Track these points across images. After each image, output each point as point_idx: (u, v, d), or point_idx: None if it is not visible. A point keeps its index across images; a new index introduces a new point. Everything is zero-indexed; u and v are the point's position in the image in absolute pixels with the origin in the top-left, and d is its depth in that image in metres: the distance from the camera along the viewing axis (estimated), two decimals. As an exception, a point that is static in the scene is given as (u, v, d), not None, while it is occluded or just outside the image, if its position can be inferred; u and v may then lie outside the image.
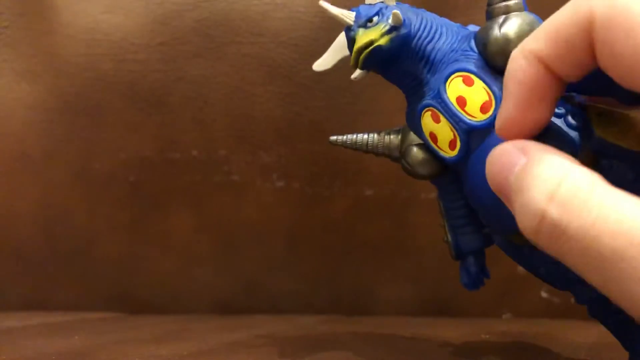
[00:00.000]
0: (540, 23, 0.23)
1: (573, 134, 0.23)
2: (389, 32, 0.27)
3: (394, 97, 0.48)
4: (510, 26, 0.25)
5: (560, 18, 0.19)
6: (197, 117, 0.50)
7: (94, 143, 0.51)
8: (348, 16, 0.28)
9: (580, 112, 0.23)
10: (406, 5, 0.28)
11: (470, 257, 0.30)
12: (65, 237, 0.52)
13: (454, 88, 0.26)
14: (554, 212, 0.18)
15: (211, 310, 0.51)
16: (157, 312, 0.51)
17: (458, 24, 0.28)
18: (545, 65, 0.20)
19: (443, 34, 0.27)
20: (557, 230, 0.18)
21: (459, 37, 0.27)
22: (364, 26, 0.27)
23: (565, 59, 0.20)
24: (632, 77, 0.18)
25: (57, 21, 0.52)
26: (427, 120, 0.27)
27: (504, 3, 0.25)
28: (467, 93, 0.25)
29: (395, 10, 0.27)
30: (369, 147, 0.30)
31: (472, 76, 0.25)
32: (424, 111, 0.27)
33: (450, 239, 0.30)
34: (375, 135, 0.30)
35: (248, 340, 0.37)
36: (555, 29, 0.19)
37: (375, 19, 0.27)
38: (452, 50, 0.27)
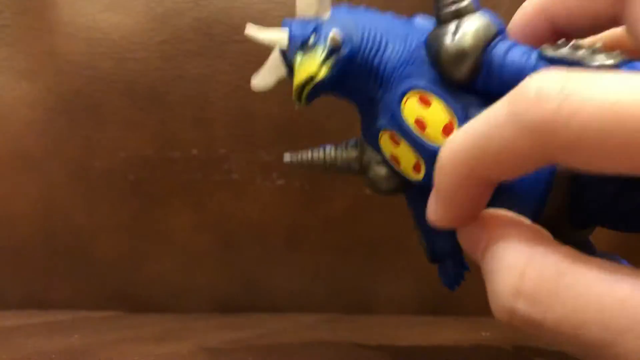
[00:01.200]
0: (495, 23, 0.22)
1: None
2: (328, 56, 0.24)
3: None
4: (464, 34, 0.22)
5: (497, 144, 0.17)
6: (197, 116, 0.50)
7: (93, 141, 0.51)
8: (280, 38, 0.26)
9: None
10: (343, 10, 0.26)
11: (447, 260, 0.29)
12: (64, 235, 0.52)
13: (411, 109, 0.23)
14: (523, 308, 0.17)
15: (211, 309, 0.51)
16: (157, 310, 0.50)
17: (404, 21, 0.26)
18: (482, 177, 0.18)
19: (389, 41, 0.24)
20: (532, 325, 0.17)
21: (408, 44, 0.24)
22: (302, 49, 0.25)
23: (508, 172, 0.17)
24: None
25: (57, 20, 0.52)
26: (385, 142, 0.25)
27: (453, 7, 0.22)
28: (426, 115, 0.23)
29: (332, 33, 0.24)
30: (328, 164, 0.28)
31: (429, 95, 0.23)
32: (380, 133, 0.25)
33: (425, 243, 0.28)
34: (332, 151, 0.28)
35: (248, 338, 0.37)
36: (495, 155, 0.17)
37: (311, 39, 0.24)
38: (403, 63, 0.24)
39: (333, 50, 0.24)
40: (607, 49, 0.20)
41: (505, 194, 0.20)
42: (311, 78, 0.24)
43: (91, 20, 0.51)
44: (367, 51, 0.24)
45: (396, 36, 0.24)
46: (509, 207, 0.20)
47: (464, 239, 0.20)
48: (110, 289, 0.52)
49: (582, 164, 0.16)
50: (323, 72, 0.24)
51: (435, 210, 0.20)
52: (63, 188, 0.52)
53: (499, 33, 0.22)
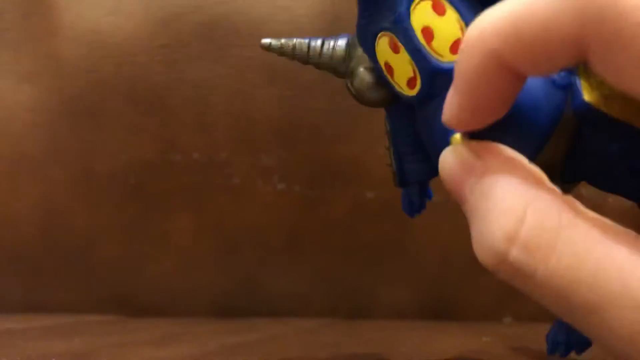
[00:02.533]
0: None
1: (558, 94, 0.19)
2: None
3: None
4: None
5: (535, 20, 0.15)
6: (198, 120, 0.50)
7: (95, 145, 0.51)
8: None
9: (570, 69, 0.19)
10: None
11: (415, 186, 0.26)
12: (65, 238, 0.52)
13: (421, 15, 0.20)
14: (515, 255, 0.15)
15: (211, 313, 0.51)
16: (157, 314, 0.50)
17: None
18: (511, 67, 0.16)
19: None
20: (521, 274, 0.15)
21: None
22: None
23: (539, 63, 0.16)
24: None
25: (59, 23, 0.52)
26: (382, 47, 0.22)
27: None
28: (436, 24, 0.20)
29: None
30: (311, 57, 0.25)
31: (445, 2, 0.20)
32: (379, 35, 0.21)
33: (394, 165, 0.25)
34: (318, 42, 0.25)
35: (247, 343, 0.37)
36: (530, 34, 0.15)
37: None
38: None
39: None
40: None
41: (506, 123, 0.18)
42: None
43: (93, 24, 0.51)
44: None
45: None
46: (509, 141, 0.18)
47: (451, 167, 0.18)
48: (111, 292, 0.52)
49: (615, 73, 0.14)
50: None
51: (451, 106, 0.17)
52: (64, 191, 0.52)
53: None
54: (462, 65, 0.16)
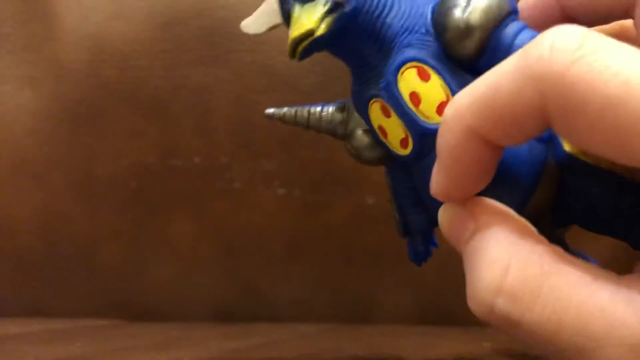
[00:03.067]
0: (508, 1, 0.21)
1: (540, 147, 0.21)
2: (330, 12, 0.22)
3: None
4: (474, 9, 0.20)
5: (502, 96, 0.16)
6: (199, 124, 0.50)
7: (96, 149, 0.51)
8: None
9: None
10: None
11: (418, 236, 0.27)
12: (66, 243, 0.52)
13: (408, 81, 0.22)
14: (502, 305, 0.16)
15: (212, 318, 0.51)
16: (158, 319, 0.50)
17: None
18: (487, 140, 0.17)
19: (396, 3, 0.22)
20: (508, 323, 0.16)
21: (414, 11, 0.22)
22: (302, 0, 0.22)
23: (511, 134, 0.17)
24: (613, 154, 0.16)
25: (60, 28, 0.52)
26: (375, 112, 0.23)
27: None
28: (422, 89, 0.21)
29: None
30: (311, 123, 0.26)
31: (429, 69, 0.21)
32: (372, 101, 0.23)
33: (397, 216, 0.27)
34: (318, 109, 0.26)
35: (248, 348, 0.37)
36: (499, 109, 0.16)
37: None
38: (406, 30, 0.22)
39: (335, 7, 0.22)
40: None
41: (494, 180, 0.19)
42: (309, 33, 0.22)
43: (94, 29, 0.51)
44: (371, 11, 0.22)
45: (409, 3, 0.23)
46: (497, 196, 0.19)
47: (448, 225, 0.19)
48: (111, 296, 0.52)
49: (575, 136, 0.15)
50: (323, 29, 0.22)
51: (437, 180, 0.19)
52: (65, 196, 0.52)
53: (512, 13, 0.21)
54: (443, 142, 0.18)
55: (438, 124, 0.20)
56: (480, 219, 0.18)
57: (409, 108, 0.22)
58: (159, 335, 0.43)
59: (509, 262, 0.17)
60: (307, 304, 0.50)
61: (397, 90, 0.22)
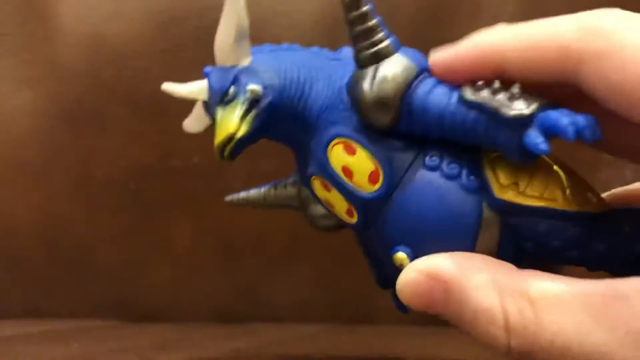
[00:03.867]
0: (415, 63, 0.22)
1: (471, 198, 0.21)
2: (248, 111, 0.23)
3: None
4: (382, 80, 0.21)
5: (538, 33, 0.19)
6: (198, 125, 0.50)
7: (94, 150, 0.51)
8: (200, 91, 0.25)
9: (475, 167, 0.21)
10: (264, 53, 0.25)
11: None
12: (64, 244, 0.52)
13: (337, 157, 0.23)
14: (516, 345, 0.18)
15: (211, 319, 0.50)
16: (157, 320, 0.50)
17: (330, 56, 0.25)
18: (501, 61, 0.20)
19: (314, 82, 0.23)
20: (526, 355, 0.18)
21: (331, 88, 0.23)
22: (221, 102, 0.24)
23: (533, 66, 0.20)
24: (629, 107, 0.18)
25: (58, 28, 0.52)
26: (318, 189, 0.24)
27: (372, 50, 0.22)
28: (352, 163, 0.22)
29: (250, 86, 0.23)
30: (267, 202, 0.28)
31: (352, 143, 0.22)
32: (312, 179, 0.24)
33: (374, 270, 0.28)
34: (272, 190, 0.28)
35: (248, 348, 0.37)
36: (533, 41, 0.19)
37: (231, 90, 0.24)
38: (327, 108, 0.23)
39: (253, 103, 0.23)
40: (526, 92, 0.20)
41: (435, 238, 0.21)
42: (231, 137, 0.23)
43: (93, 29, 0.51)
44: (290, 98, 0.23)
45: (320, 77, 0.24)
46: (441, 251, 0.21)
47: (412, 293, 0.21)
48: (110, 298, 0.51)
49: (604, 79, 0.18)
50: (243, 130, 0.23)
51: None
52: (63, 197, 0.51)
53: (420, 73, 0.22)
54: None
55: (374, 192, 0.22)
56: (443, 274, 0.20)
57: (344, 182, 0.23)
58: (157, 336, 0.42)
59: (501, 303, 0.18)
60: (307, 305, 0.50)
61: (330, 167, 0.23)
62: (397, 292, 0.21)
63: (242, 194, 0.29)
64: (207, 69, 0.26)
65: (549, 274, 0.19)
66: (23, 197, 0.52)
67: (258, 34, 0.52)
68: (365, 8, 0.21)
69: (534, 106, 0.19)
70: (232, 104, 0.23)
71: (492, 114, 0.20)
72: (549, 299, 0.18)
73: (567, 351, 0.17)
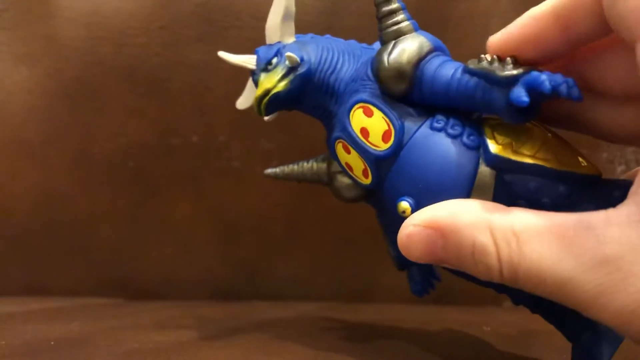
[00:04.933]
0: (429, 41, 0.25)
1: (469, 154, 0.24)
2: (287, 74, 0.27)
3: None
4: (397, 53, 0.25)
5: None
6: (197, 103, 0.50)
7: (93, 128, 0.51)
8: (249, 61, 0.29)
9: (476, 130, 0.24)
10: (308, 37, 0.29)
11: (414, 268, 0.31)
12: (64, 222, 0.52)
13: (357, 119, 0.26)
14: (506, 273, 0.20)
15: (211, 297, 0.51)
16: (157, 298, 0.50)
17: (362, 45, 0.29)
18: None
19: (345, 61, 0.28)
20: (513, 279, 0.21)
21: (360, 63, 0.27)
22: (265, 69, 0.28)
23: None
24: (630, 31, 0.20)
25: (56, 4, 0.51)
26: (340, 152, 0.27)
27: (394, 27, 0.25)
28: (369, 124, 0.26)
29: (289, 53, 0.27)
30: (300, 177, 0.31)
31: (371, 107, 0.26)
32: (336, 143, 0.27)
33: (391, 251, 0.31)
34: (305, 164, 0.31)
35: (248, 327, 0.37)
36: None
37: (274, 60, 0.28)
38: (353, 80, 0.27)
39: (291, 69, 0.27)
40: (518, 63, 0.23)
41: (435, 190, 0.24)
42: (268, 91, 0.27)
43: (91, 5, 0.51)
44: (324, 70, 0.27)
45: (351, 55, 0.28)
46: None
47: (415, 250, 0.23)
48: (110, 276, 0.52)
49: (626, 18, 0.20)
50: (281, 87, 0.27)
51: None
52: (62, 175, 0.51)
53: (434, 50, 0.25)
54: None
55: (385, 149, 0.25)
56: (437, 223, 0.22)
57: (361, 141, 0.26)
58: (158, 314, 0.43)
59: (493, 238, 0.20)
60: (306, 283, 0.50)
61: (351, 127, 0.26)
62: (399, 246, 0.23)
63: (280, 169, 0.32)
64: (258, 48, 0.29)
65: (533, 210, 0.21)
66: (22, 175, 0.52)
67: (260, 9, 0.51)
68: None
69: (521, 70, 0.22)
70: (274, 70, 0.27)
71: (487, 77, 0.23)
72: (529, 232, 0.20)
73: (542, 277, 0.19)
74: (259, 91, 0.27)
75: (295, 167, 0.31)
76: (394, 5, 0.25)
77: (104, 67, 0.51)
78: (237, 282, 0.51)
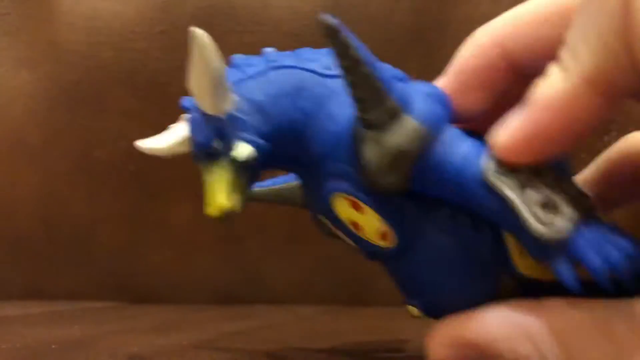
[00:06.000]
0: (428, 122, 0.18)
1: (488, 264, 0.19)
2: (238, 171, 0.20)
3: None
4: (389, 149, 0.18)
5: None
6: (197, 107, 0.50)
7: (94, 131, 0.51)
8: (181, 142, 0.22)
9: (495, 234, 0.19)
10: (251, 71, 0.21)
11: None
12: (65, 225, 0.52)
13: (344, 210, 0.20)
14: None
15: (211, 300, 0.51)
16: (157, 301, 0.50)
17: (324, 68, 0.20)
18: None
19: (311, 122, 0.20)
20: None
21: (332, 130, 0.19)
22: (207, 158, 0.21)
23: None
24: None
25: (57, 9, 0.51)
26: (343, 208, 0.20)
27: (376, 112, 0.18)
28: (360, 219, 0.20)
29: (239, 148, 0.19)
30: (270, 198, 0.27)
31: (359, 202, 0.19)
32: (333, 196, 0.20)
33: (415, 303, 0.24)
34: (277, 188, 0.26)
35: (248, 330, 0.37)
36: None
37: (215, 144, 0.20)
38: (326, 156, 0.19)
39: (243, 166, 0.20)
40: (559, 187, 0.17)
41: (448, 294, 0.20)
42: (225, 209, 0.20)
43: (92, 9, 0.51)
44: (284, 144, 0.20)
45: (319, 114, 0.20)
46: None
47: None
48: (111, 279, 0.52)
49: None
50: (235, 200, 0.20)
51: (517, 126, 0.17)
52: (63, 178, 0.51)
53: (434, 132, 0.18)
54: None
55: (389, 247, 0.20)
56: (470, 341, 0.19)
57: (355, 233, 0.21)
58: (158, 317, 0.43)
59: (536, 347, 0.17)
60: (306, 286, 0.50)
61: (336, 215, 0.21)
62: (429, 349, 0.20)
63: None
64: (186, 103, 0.22)
65: (568, 299, 0.17)
66: (23, 178, 0.52)
67: (259, 14, 0.51)
68: (355, 54, 0.17)
69: (564, 226, 0.16)
70: (219, 164, 0.20)
71: (516, 216, 0.17)
72: (571, 329, 0.17)
73: None
74: (213, 208, 0.20)
75: (265, 189, 0.26)
76: (370, 81, 0.17)
77: (104, 71, 0.51)
78: (238, 285, 0.51)
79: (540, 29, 0.18)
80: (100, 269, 0.51)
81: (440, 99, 0.19)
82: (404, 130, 0.18)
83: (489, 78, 0.19)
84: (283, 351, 0.30)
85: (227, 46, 0.54)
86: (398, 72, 0.20)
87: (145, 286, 0.51)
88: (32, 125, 0.52)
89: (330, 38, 0.17)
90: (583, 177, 0.22)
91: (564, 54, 0.16)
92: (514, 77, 0.20)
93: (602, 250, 0.16)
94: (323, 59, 0.21)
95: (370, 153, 0.18)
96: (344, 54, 0.17)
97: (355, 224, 0.20)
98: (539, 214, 0.16)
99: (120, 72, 0.51)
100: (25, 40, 0.52)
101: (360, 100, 0.18)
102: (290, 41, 0.48)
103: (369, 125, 0.18)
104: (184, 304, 0.50)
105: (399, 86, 0.18)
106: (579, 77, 0.16)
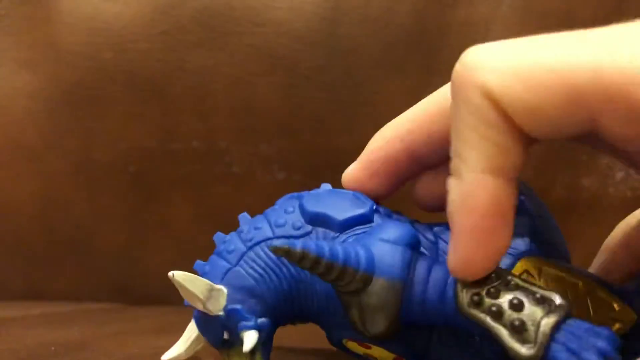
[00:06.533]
0: (396, 277, 0.20)
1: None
2: (253, 353, 0.22)
3: (396, 88, 0.48)
4: (371, 312, 0.20)
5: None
6: (197, 108, 0.50)
7: (94, 133, 0.51)
8: (196, 342, 0.25)
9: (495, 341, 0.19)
10: (233, 259, 0.25)
11: None
12: (65, 227, 0.52)
13: (356, 347, 0.23)
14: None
15: (211, 302, 0.51)
16: (157, 303, 0.50)
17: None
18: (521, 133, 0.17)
19: (299, 292, 0.23)
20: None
21: (320, 296, 0.22)
22: (223, 347, 0.23)
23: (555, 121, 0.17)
24: None
25: (57, 9, 0.51)
26: (355, 348, 0.23)
27: (349, 287, 0.20)
28: (374, 352, 0.22)
29: (247, 340, 0.21)
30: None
31: (363, 342, 0.22)
32: (344, 342, 0.23)
33: None
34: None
35: (248, 331, 0.37)
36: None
37: (226, 336, 0.23)
38: (322, 312, 0.23)
39: (254, 348, 0.22)
40: (525, 293, 0.18)
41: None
42: None
43: (92, 10, 0.51)
44: (284, 311, 0.23)
45: (308, 279, 0.22)
46: None
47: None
48: (110, 280, 0.52)
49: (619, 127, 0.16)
50: None
51: (461, 248, 0.18)
52: (63, 179, 0.51)
53: (405, 281, 0.20)
54: (464, 192, 0.18)
55: None
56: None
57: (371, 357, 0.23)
58: (158, 319, 0.43)
59: None
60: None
61: (351, 351, 0.23)
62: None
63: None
64: (195, 314, 0.25)
65: None
66: (23, 180, 0.52)
67: (260, 15, 0.51)
68: (311, 257, 0.19)
69: (538, 343, 0.17)
70: (235, 350, 0.23)
71: (492, 337, 0.18)
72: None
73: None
74: None
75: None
76: (335, 268, 0.20)
77: (104, 72, 0.51)
78: (237, 287, 0.51)
79: (432, 127, 0.21)
80: (99, 270, 0.51)
81: (405, 239, 0.21)
82: (379, 290, 0.20)
83: (392, 167, 0.23)
84: (283, 351, 0.30)
85: (228, 47, 0.54)
86: (364, 209, 0.24)
87: (145, 287, 0.51)
88: (32, 126, 0.52)
89: (287, 259, 0.20)
90: (595, 266, 0.23)
91: (454, 163, 0.18)
92: (415, 166, 0.23)
93: (580, 352, 0.17)
94: (292, 218, 0.26)
95: (356, 315, 0.20)
96: (302, 264, 0.19)
97: (370, 355, 0.23)
98: (511, 333, 0.17)
99: (121, 73, 0.51)
100: (25, 41, 0.52)
101: (333, 283, 0.20)
102: (291, 42, 0.48)
103: (348, 294, 0.20)
104: (183, 305, 0.50)
105: (363, 251, 0.20)
106: (474, 172, 0.17)
